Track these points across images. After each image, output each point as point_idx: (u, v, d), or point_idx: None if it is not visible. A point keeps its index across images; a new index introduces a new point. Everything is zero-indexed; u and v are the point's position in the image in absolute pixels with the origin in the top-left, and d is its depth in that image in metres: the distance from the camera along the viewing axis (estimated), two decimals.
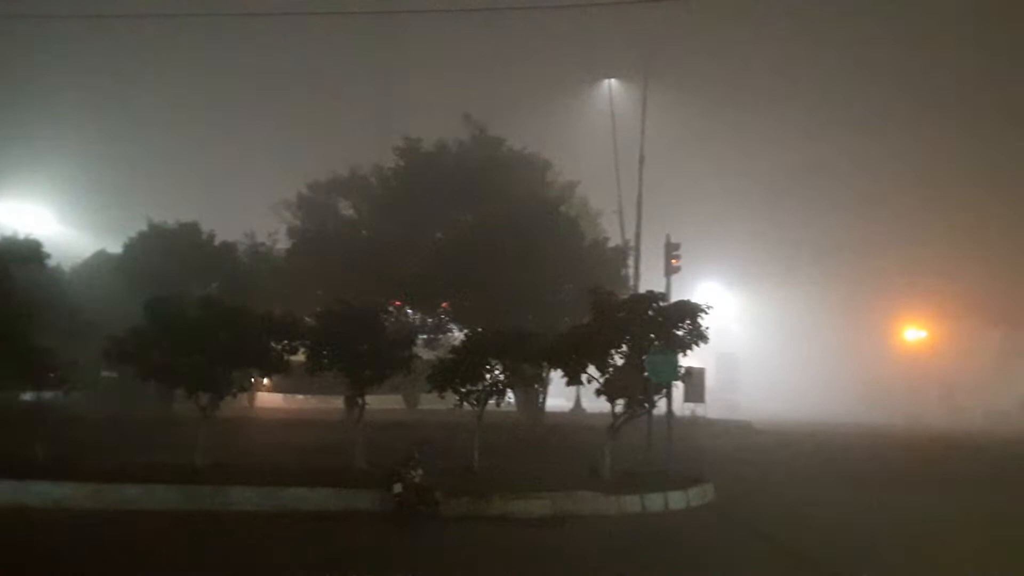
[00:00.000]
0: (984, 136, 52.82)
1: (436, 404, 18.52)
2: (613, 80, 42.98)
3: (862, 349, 62.64)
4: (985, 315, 56.36)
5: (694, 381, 19.32)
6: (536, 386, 25.18)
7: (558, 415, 31.59)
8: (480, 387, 16.13)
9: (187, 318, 16.30)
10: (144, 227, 29.80)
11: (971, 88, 53.45)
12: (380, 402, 23.30)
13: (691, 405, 30.19)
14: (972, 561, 10.63)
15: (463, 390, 16.12)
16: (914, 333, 62.12)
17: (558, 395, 33.02)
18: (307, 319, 18.07)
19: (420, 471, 12.57)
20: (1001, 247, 52.31)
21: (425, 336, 28.02)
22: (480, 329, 21.60)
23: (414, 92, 49.67)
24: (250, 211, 34.59)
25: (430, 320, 29.33)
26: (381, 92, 52.17)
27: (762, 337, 65.54)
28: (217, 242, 29.60)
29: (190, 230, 29.44)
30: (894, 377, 61.03)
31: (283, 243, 31.07)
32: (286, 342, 16.41)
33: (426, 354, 23.03)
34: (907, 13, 54.30)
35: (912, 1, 52.66)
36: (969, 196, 53.00)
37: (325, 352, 16.21)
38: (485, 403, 16.24)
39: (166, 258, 27.55)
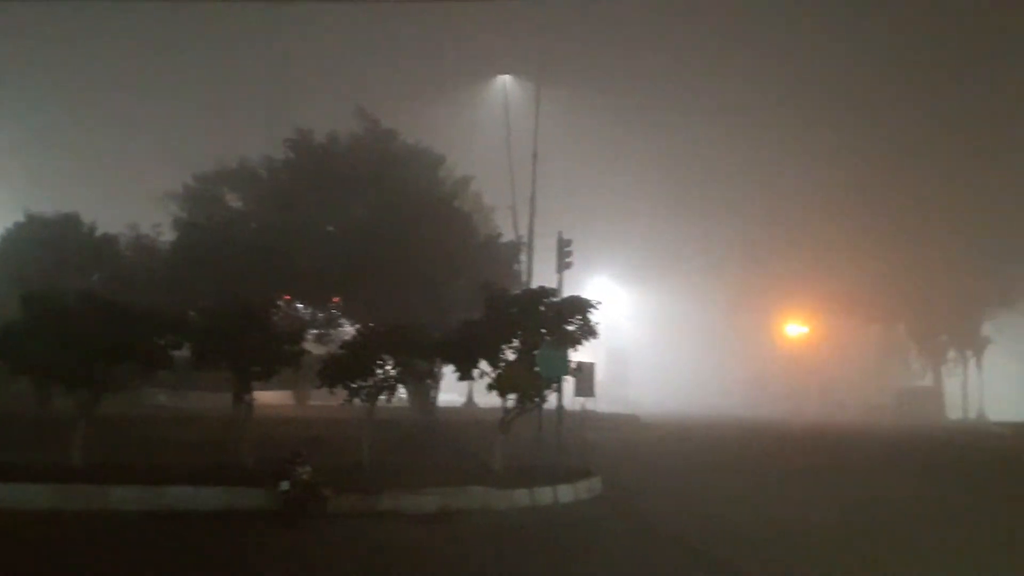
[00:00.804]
0: (864, 143, 54.83)
1: (327, 400, 18.30)
2: (507, 76, 43.19)
3: (747, 345, 64.45)
4: (863, 313, 58.57)
5: (584, 376, 19.58)
6: (428, 381, 25.12)
7: (450, 410, 31.58)
8: (371, 383, 16.01)
9: (65, 313, 15.67)
10: (21, 217, 28.78)
11: (855, 96, 55.38)
12: (269, 398, 22.90)
13: (581, 399, 30.58)
14: (820, 532, 11.05)
15: (354, 386, 15.98)
16: (796, 329, 64.10)
17: (450, 390, 32.99)
18: (192, 313, 17.61)
19: (308, 468, 12.37)
20: (878, 249, 54.40)
21: (316, 331, 27.66)
22: (371, 324, 21.40)
23: (305, 83, 48.85)
24: (133, 202, 33.53)
25: (321, 315, 28.94)
26: (271, 82, 51.16)
27: (652, 332, 66.80)
28: (98, 234, 28.67)
29: (70, 221, 28.46)
30: (777, 372, 63.00)
31: (168, 235, 30.19)
32: (170, 337, 15.96)
33: (317, 349, 22.74)
34: (795, 17, 56.17)
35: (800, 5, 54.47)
36: (849, 199, 55.00)
37: (211, 347, 15.79)
38: (376, 399, 16.13)
39: (44, 250, 26.57)
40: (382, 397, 16.30)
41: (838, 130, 54.95)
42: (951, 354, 57.76)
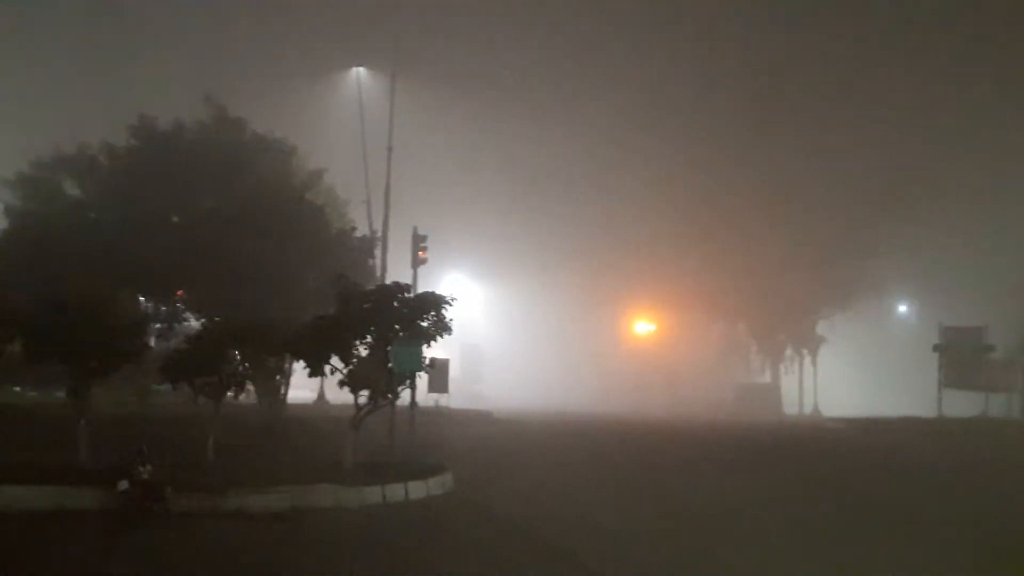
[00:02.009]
0: (704, 145, 56.73)
1: (171, 397, 17.68)
2: (361, 69, 42.73)
3: (598, 341, 65.72)
4: (707, 312, 60.63)
5: (438, 372, 19.58)
6: (278, 377, 24.58)
7: (301, 407, 30.99)
8: (217, 379, 15.54)
9: None
10: None
11: (693, 100, 57.23)
12: (109, 395, 21.92)
13: (435, 395, 30.59)
14: (666, 524, 11.36)
15: (199, 382, 15.48)
16: (643, 327, 65.73)
17: (301, 387, 32.41)
18: (24, 306, 16.65)
19: (149, 467, 11.91)
20: (721, 250, 56.45)
21: (159, 325, 26.63)
22: (218, 318, 20.77)
23: (150, 69, 46.93)
24: None
25: (164, 309, 27.88)
26: (113, 65, 48.97)
27: (506, 329, 67.34)
28: None
29: None
30: (625, 368, 64.49)
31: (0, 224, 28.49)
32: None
33: (160, 345, 21.91)
34: (639, 21, 57.69)
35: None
36: (694, 201, 56.85)
37: (42, 341, 14.96)
38: (222, 396, 15.68)
39: None
40: (229, 394, 15.87)
41: (680, 132, 56.71)
42: (788, 352, 60.46)
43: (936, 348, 38.82)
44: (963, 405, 38.10)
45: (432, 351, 16.32)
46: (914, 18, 54.71)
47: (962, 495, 16.67)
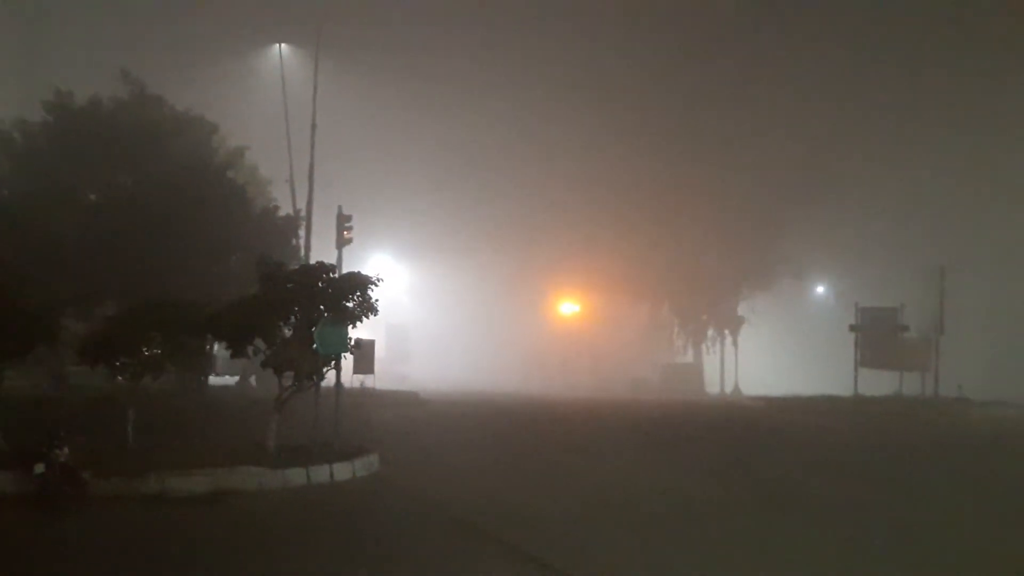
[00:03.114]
0: (637, 124, 57.18)
1: (89, 379, 17.30)
2: (284, 45, 42.09)
3: (525, 321, 66.02)
4: (631, 293, 61.31)
5: (363, 353, 19.50)
6: (200, 359, 24.19)
7: (224, 389, 30.57)
8: (136, 361, 15.23)
9: None
10: None
11: (620, 82, 57.63)
12: (24, 377, 21.34)
13: (360, 376, 30.45)
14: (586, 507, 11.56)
15: (117, 364, 15.15)
16: (569, 307, 66.19)
17: (224, 368, 32.00)
18: None
19: (66, 450, 11.64)
20: (644, 231, 57.08)
21: (76, 307, 25.97)
22: (138, 299, 20.31)
23: (67, 44, 45.54)
24: None
25: (82, 289, 27.19)
26: (29, 40, 47.44)
27: (433, 309, 67.24)
28: None
29: None
30: (551, 348, 64.97)
31: None
32: None
33: (77, 325, 21.39)
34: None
35: None
36: (618, 183, 57.33)
37: None
38: (142, 378, 15.39)
39: None
40: (149, 375, 15.57)
41: (607, 115, 57.03)
42: (710, 332, 61.53)
43: (852, 328, 39.84)
44: (879, 384, 39.19)
45: (357, 332, 16.23)
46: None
47: (856, 472, 17.34)
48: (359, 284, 15.80)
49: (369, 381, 33.53)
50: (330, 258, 27.83)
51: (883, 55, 55.27)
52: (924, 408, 35.06)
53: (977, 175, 54.31)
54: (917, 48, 54.77)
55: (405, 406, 32.19)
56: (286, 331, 15.66)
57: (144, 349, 15.39)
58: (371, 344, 22.53)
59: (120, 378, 15.33)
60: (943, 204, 54.45)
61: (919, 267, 42.60)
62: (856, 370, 39.11)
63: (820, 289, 67.58)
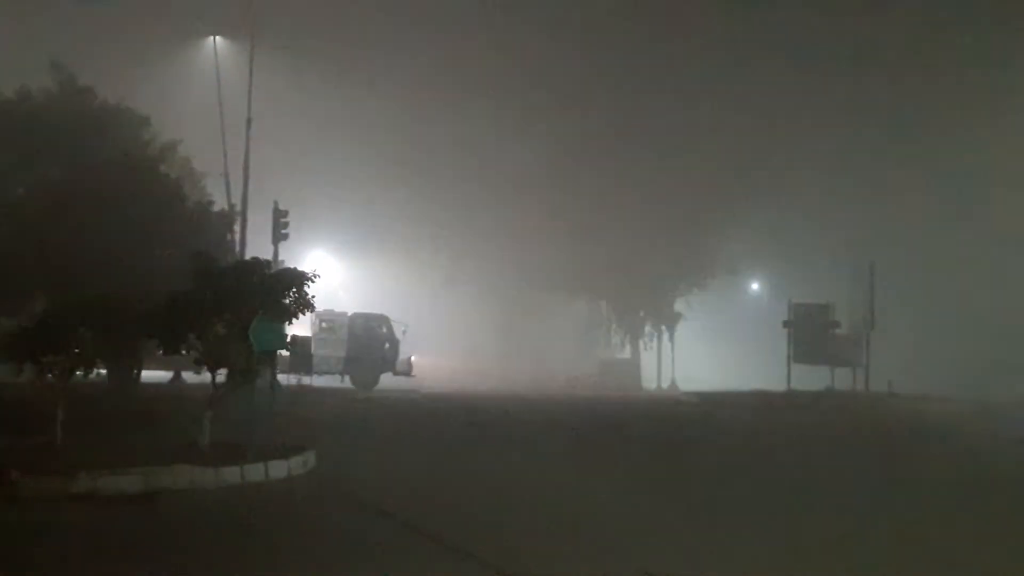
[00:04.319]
0: (575, 120, 57.51)
1: (14, 376, 16.87)
2: (218, 37, 41.49)
3: (464, 317, 65.84)
4: (570, 289, 61.67)
5: (300, 350, 19.38)
6: (132, 356, 23.79)
7: (157, 386, 30.07)
8: (65, 357, 14.94)
9: None
10: None
11: (556, 80, 57.91)
12: None
13: (297, 373, 30.21)
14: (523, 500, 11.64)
15: (45, 360, 14.84)
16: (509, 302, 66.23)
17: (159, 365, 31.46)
18: None
19: None
20: (583, 228, 57.46)
21: (3, 302, 25.38)
22: (67, 295, 19.92)
23: None
24: None
25: (7, 284, 26.57)
26: None
27: (372, 306, 66.73)
28: None
29: None
30: (490, 344, 64.94)
31: None
32: None
33: (3, 322, 20.95)
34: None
35: None
36: (556, 179, 57.66)
37: None
38: (71, 375, 15.09)
39: None
40: (79, 373, 15.29)
41: (544, 110, 57.27)
42: (648, 328, 62.18)
43: (786, 324, 40.58)
44: (813, 379, 39.95)
45: (294, 328, 16.11)
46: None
47: (778, 461, 17.83)
48: (295, 280, 15.69)
49: (306, 378, 33.30)
50: (267, 254, 27.59)
51: (815, 55, 56.30)
52: (853, 402, 35.86)
53: (908, 174, 55.58)
54: (848, 48, 56.00)
55: (342, 402, 31.94)
56: (220, 328, 15.47)
57: (74, 346, 15.11)
58: (307, 341, 22.43)
59: (49, 376, 15.01)
60: (875, 202, 55.82)
61: (851, 264, 43.55)
62: (789, 365, 39.83)
63: (755, 286, 68.69)
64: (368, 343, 42.23)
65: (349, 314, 44.07)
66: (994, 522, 11.72)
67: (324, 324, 40.52)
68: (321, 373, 40.12)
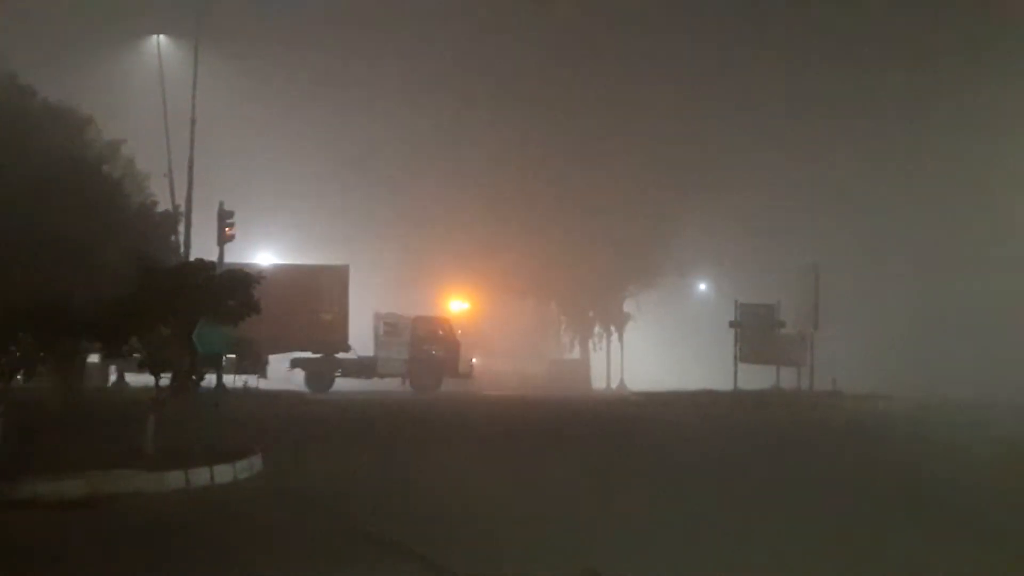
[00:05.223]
0: (524, 121, 57.68)
1: None
2: (162, 36, 41.03)
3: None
4: (519, 290, 61.80)
5: (247, 352, 19.23)
6: (73, 359, 23.41)
7: (99, 390, 29.57)
8: (4, 361, 14.68)
9: None
10: None
11: (512, 82, 57.99)
12: None
13: (244, 376, 29.92)
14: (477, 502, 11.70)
15: None
16: (459, 304, 66.22)
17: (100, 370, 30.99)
18: None
19: None
20: (531, 229, 57.63)
21: None
22: (5, 298, 19.53)
23: None
24: None
25: None
26: None
27: None
28: None
29: None
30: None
31: None
32: None
33: None
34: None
35: None
36: (504, 182, 57.82)
37: None
38: (11, 379, 14.84)
39: None
40: (18, 377, 15.04)
41: (495, 111, 57.49)
42: (597, 329, 62.57)
43: (732, 324, 41.02)
44: (760, 378, 40.42)
45: (240, 331, 16.00)
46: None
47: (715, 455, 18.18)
48: (241, 282, 15.60)
49: (252, 381, 32.96)
50: (212, 255, 27.28)
51: (763, 54, 57.03)
52: (797, 401, 36.37)
53: (853, 174, 56.45)
54: (798, 47, 56.67)
55: (290, 405, 31.67)
56: (164, 330, 15.32)
57: (14, 349, 14.87)
58: (251, 344, 22.22)
59: None
60: (820, 202, 56.65)
61: (795, 266, 44.14)
62: (736, 365, 40.27)
63: (702, 286, 69.35)
64: (431, 346, 42.75)
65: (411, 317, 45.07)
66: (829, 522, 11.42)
67: (387, 326, 41.47)
68: (383, 376, 41.89)
